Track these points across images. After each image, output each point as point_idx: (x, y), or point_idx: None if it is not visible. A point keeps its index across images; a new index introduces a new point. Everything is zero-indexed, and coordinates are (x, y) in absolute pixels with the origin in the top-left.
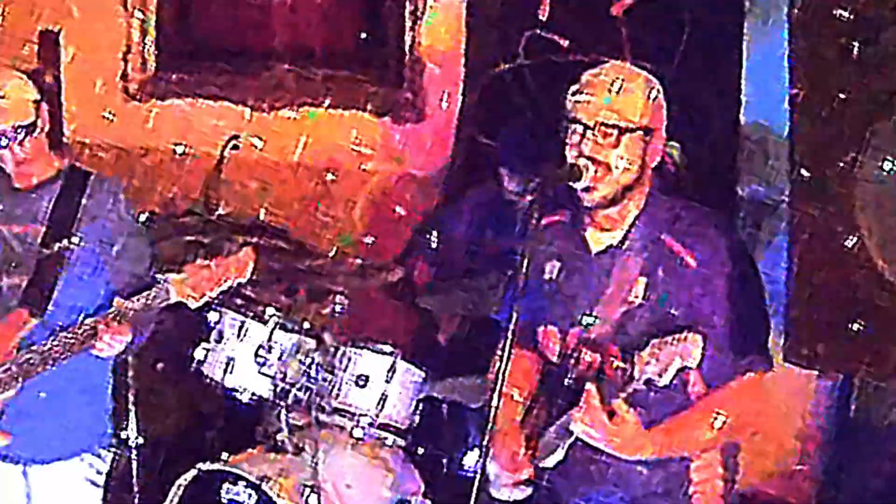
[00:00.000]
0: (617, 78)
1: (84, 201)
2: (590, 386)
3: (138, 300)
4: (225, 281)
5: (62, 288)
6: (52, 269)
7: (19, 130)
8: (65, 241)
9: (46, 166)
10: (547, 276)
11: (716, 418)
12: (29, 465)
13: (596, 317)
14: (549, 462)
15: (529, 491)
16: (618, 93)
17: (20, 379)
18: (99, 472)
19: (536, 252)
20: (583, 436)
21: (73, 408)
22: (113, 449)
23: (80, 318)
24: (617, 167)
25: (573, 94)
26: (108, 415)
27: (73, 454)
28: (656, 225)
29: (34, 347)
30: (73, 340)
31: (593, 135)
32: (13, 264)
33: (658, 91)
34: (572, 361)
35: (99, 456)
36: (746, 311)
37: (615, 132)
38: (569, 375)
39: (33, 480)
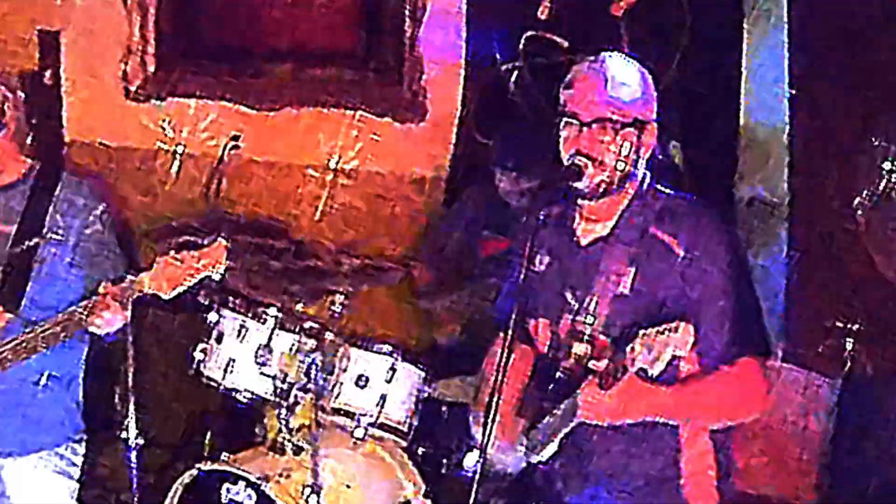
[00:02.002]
0: (611, 71)
1: (55, 200)
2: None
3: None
4: (196, 273)
5: (35, 284)
6: (23, 266)
7: None
8: (35, 239)
9: (17, 166)
10: (537, 269)
11: (713, 392)
12: (1, 458)
13: (586, 310)
14: (544, 455)
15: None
16: (614, 87)
17: None
18: (73, 465)
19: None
20: (588, 417)
21: (43, 402)
22: (85, 443)
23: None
24: (614, 162)
25: (566, 87)
26: (80, 409)
27: (44, 447)
28: (645, 216)
29: (6, 340)
30: (48, 332)
31: (591, 131)
32: None
33: (649, 82)
34: (563, 354)
35: (72, 449)
36: (739, 298)
37: (613, 128)
38: (559, 368)
39: (5, 474)
